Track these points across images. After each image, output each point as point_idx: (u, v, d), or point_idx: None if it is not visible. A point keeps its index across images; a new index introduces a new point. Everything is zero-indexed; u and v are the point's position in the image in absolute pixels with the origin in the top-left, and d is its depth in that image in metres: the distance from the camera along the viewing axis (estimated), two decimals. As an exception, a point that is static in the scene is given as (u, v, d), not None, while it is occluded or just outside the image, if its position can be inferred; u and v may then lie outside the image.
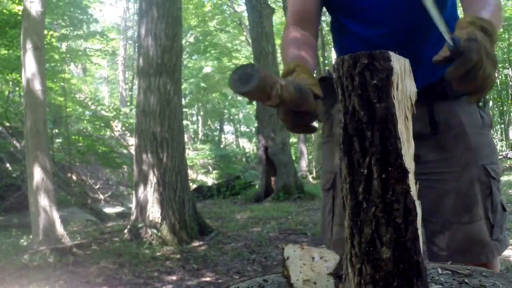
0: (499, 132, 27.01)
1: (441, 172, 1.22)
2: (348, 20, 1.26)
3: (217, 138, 25.98)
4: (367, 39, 1.22)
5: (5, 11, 7.90)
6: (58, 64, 10.13)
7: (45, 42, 5.60)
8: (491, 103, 23.17)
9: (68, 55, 11.59)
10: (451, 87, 1.21)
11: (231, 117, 27.49)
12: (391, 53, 0.58)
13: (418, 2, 0.93)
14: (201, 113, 24.59)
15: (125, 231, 5.52)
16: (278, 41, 16.54)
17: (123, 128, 14.11)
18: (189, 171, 9.57)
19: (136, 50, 9.56)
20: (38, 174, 4.74)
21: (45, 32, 6.45)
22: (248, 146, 25.59)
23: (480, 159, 1.22)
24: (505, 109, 22.40)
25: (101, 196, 10.75)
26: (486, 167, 1.21)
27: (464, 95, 1.23)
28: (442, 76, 1.22)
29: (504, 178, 9.45)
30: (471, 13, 0.94)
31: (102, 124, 12.43)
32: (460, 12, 1.33)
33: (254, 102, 15.12)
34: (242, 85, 0.72)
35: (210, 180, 16.60)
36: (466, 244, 1.20)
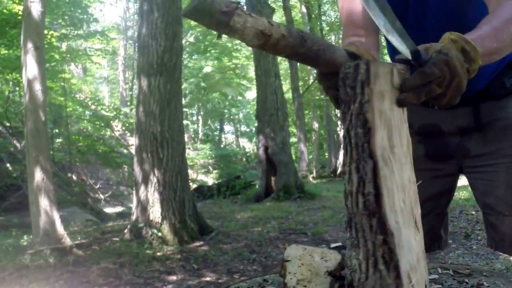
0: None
1: (491, 164, 1.23)
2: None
3: (217, 138, 25.98)
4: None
5: (5, 10, 7.89)
6: (58, 64, 10.12)
7: (45, 42, 5.60)
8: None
9: (68, 55, 11.58)
10: (496, 86, 1.23)
11: (231, 117, 27.47)
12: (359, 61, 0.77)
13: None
14: (201, 113, 24.59)
15: (126, 231, 5.52)
16: (278, 41, 16.52)
17: (123, 128, 14.10)
18: (189, 171, 9.57)
19: (136, 50, 9.56)
20: (38, 174, 4.74)
21: (45, 32, 6.45)
22: (248, 146, 25.59)
23: None
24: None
25: (101, 196, 10.75)
26: None
27: (510, 93, 1.23)
28: (488, 84, 1.23)
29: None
30: (457, 34, 0.89)
31: (102, 124, 12.43)
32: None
33: (254, 102, 15.07)
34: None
35: (210, 180, 16.60)
36: None
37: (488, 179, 1.23)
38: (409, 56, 0.82)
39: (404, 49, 0.82)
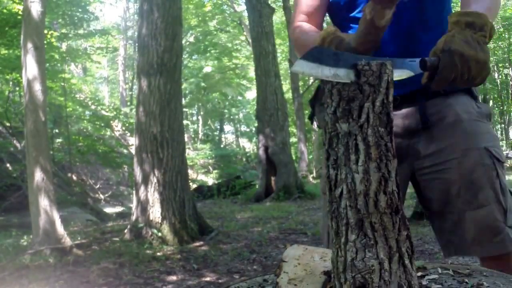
0: (499, 132, 26.99)
1: (443, 161, 1.21)
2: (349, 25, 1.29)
3: (217, 138, 25.98)
4: None
5: (5, 10, 7.89)
6: (58, 64, 10.12)
7: (45, 42, 5.60)
8: (491, 102, 23.17)
9: (68, 56, 11.58)
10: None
11: (231, 117, 27.47)
12: None
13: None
14: (201, 113, 24.58)
15: (126, 231, 5.52)
16: (278, 41, 16.54)
17: (123, 128, 14.11)
18: (189, 171, 9.57)
19: (136, 50, 9.56)
20: (38, 174, 4.74)
21: (45, 31, 6.45)
22: (248, 146, 25.58)
23: (481, 142, 1.20)
24: (505, 108, 22.38)
25: (101, 196, 10.75)
26: (489, 149, 1.19)
27: (458, 90, 1.24)
28: None
29: (504, 178, 9.43)
30: (457, 11, 0.93)
31: (102, 124, 12.43)
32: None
33: (254, 102, 15.08)
34: None
35: (210, 180, 16.60)
36: (478, 232, 1.15)
37: (442, 177, 1.21)
38: (412, 73, 0.84)
39: (401, 73, 0.84)
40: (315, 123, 1.40)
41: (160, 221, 5.27)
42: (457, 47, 0.85)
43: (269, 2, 11.88)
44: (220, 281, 3.84)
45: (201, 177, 17.27)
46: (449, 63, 0.84)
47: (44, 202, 4.72)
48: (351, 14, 1.27)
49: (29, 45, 4.85)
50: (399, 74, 0.85)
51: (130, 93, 21.86)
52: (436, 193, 1.23)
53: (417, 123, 1.23)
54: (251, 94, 22.59)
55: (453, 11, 1.11)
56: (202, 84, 20.10)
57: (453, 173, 1.19)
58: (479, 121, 1.24)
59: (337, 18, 1.34)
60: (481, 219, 1.15)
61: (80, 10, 11.30)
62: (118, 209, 9.67)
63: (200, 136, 23.80)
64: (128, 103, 20.61)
